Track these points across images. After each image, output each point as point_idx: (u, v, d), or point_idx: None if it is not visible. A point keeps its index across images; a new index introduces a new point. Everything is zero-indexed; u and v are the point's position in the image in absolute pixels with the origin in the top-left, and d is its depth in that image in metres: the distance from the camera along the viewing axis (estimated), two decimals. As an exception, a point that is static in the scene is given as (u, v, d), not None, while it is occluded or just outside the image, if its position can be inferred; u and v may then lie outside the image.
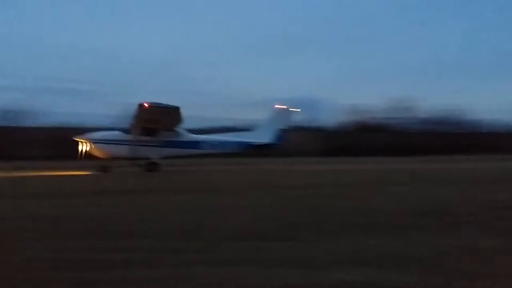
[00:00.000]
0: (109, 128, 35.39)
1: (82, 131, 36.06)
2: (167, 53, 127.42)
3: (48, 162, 40.53)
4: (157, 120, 31.10)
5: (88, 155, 32.73)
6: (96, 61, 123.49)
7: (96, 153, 32.71)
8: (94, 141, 32.49)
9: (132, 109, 32.05)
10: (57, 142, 49.84)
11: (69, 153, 35.54)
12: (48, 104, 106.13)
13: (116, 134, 33.05)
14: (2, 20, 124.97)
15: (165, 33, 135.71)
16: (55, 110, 70.42)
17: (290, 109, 39.04)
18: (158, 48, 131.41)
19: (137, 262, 6.76)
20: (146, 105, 29.91)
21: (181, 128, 34.44)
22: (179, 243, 8.11)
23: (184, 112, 31.10)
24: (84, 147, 32.67)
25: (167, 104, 30.27)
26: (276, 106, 39.07)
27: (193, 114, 45.67)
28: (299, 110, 41.61)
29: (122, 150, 32.13)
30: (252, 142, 36.80)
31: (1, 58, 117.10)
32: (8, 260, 6.99)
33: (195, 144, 34.92)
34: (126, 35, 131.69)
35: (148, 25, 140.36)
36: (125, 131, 32.98)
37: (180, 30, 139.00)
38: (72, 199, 15.68)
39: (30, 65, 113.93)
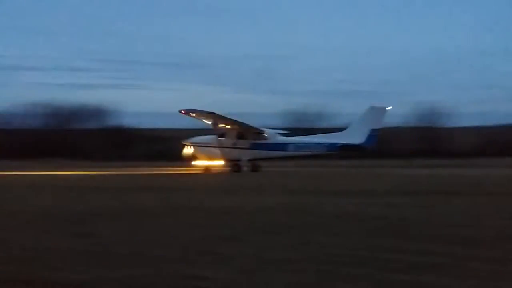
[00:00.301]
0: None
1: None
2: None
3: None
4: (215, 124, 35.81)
5: (191, 157, 36.85)
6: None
7: (197, 155, 36.57)
8: (194, 145, 36.57)
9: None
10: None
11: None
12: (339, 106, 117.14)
13: (210, 138, 36.50)
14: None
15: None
16: (344, 112, 73.72)
17: (386, 108, 37.68)
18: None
19: (444, 268, 6.40)
20: (182, 112, 35.03)
21: (273, 131, 37.96)
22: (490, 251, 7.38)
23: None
24: (188, 150, 36.79)
25: (200, 109, 34.84)
26: (373, 105, 37.98)
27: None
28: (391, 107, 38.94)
29: (216, 153, 35.81)
30: (342, 143, 36.08)
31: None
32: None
33: (283, 146, 36.50)
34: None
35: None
36: (221, 135, 36.09)
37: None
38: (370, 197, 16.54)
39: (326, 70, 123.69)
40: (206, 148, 36.25)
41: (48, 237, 9.12)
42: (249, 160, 35.76)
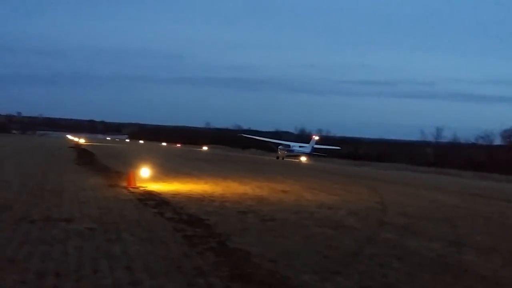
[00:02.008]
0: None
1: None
2: None
3: None
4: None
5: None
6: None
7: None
8: (284, 150, 75.75)
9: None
10: None
11: None
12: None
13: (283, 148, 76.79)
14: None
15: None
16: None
17: (315, 138, 62.11)
18: None
19: None
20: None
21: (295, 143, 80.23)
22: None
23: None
24: (280, 154, 74.13)
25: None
26: (313, 136, 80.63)
27: None
28: None
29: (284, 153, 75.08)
30: (309, 151, 77.88)
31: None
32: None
33: (296, 152, 76.34)
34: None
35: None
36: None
37: None
38: None
39: None
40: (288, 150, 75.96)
41: None
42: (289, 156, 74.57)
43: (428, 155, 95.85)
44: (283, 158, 70.20)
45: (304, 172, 43.02)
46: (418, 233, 14.56)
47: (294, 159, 72.27)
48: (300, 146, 74.85)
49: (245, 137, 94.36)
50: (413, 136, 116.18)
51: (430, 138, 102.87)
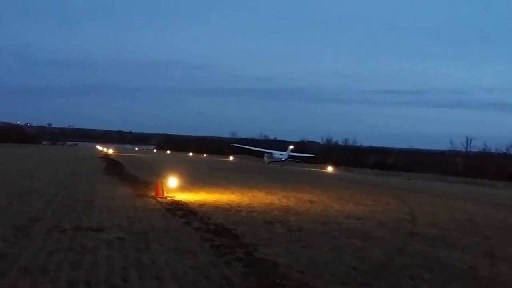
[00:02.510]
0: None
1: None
2: None
3: None
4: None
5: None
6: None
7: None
8: (268, 158, 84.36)
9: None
10: None
11: None
12: None
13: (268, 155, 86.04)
14: None
15: None
16: None
17: (290, 148, 73.77)
18: None
19: None
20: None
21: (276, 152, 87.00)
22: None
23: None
24: (266, 160, 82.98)
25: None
26: (290, 147, 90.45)
27: None
28: None
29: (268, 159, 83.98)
30: (285, 158, 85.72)
31: None
32: None
33: (277, 158, 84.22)
34: None
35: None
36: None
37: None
38: None
39: None
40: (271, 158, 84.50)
41: None
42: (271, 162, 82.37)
43: (458, 165, 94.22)
44: (268, 164, 79.69)
45: (331, 182, 42.73)
46: (449, 244, 14.28)
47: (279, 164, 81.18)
48: (280, 154, 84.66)
49: (237, 146, 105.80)
50: (442, 145, 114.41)
51: (460, 147, 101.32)
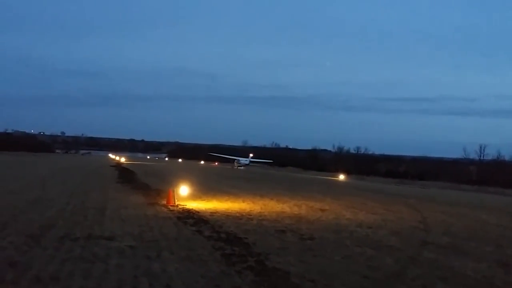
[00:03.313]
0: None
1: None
2: None
3: None
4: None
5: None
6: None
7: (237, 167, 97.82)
8: (237, 163, 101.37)
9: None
10: None
11: None
12: None
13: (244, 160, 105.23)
14: None
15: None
16: None
17: (250, 155, 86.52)
18: None
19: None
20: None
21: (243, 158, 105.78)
22: None
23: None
24: (235, 165, 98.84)
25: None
26: (250, 155, 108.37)
27: None
28: None
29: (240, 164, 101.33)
30: (247, 163, 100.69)
31: None
32: None
33: (244, 163, 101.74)
34: None
35: None
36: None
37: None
38: None
39: None
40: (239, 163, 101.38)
41: None
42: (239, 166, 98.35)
43: (471, 173, 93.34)
44: (237, 168, 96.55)
45: (343, 190, 42.54)
46: (462, 253, 14.11)
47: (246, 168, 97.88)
48: (245, 160, 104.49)
49: (211, 154, 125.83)
50: (455, 153, 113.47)
51: (473, 155, 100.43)
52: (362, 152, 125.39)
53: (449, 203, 33.69)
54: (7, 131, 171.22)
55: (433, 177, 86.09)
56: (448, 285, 10.30)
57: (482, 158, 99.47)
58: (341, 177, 73.96)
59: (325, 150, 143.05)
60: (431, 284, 10.26)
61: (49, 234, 13.67)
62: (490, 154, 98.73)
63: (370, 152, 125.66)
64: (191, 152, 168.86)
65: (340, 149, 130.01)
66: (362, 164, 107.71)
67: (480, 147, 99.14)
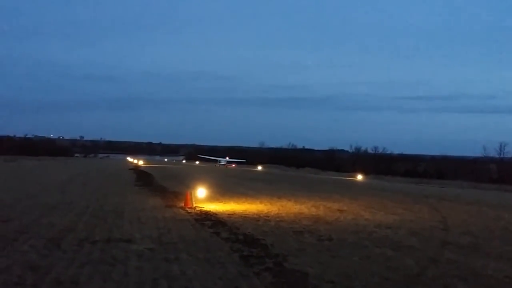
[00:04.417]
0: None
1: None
2: None
3: None
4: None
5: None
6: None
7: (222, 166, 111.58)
8: (218, 163, 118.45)
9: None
10: None
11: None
12: None
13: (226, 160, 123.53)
14: None
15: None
16: None
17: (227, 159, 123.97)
18: None
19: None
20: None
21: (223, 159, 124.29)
22: None
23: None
24: (218, 164, 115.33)
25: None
26: (227, 158, 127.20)
27: None
28: None
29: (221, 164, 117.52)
30: (225, 163, 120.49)
31: None
32: None
33: (224, 162, 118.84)
34: None
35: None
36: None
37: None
38: None
39: None
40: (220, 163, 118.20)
41: None
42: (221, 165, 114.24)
43: (491, 172, 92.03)
44: (219, 166, 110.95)
45: (361, 190, 42.27)
46: (484, 253, 13.91)
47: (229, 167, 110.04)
48: (223, 160, 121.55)
49: (200, 156, 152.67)
50: (475, 152, 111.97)
51: (493, 153, 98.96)
52: (380, 151, 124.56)
53: (469, 202, 33.27)
54: (27, 136, 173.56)
55: (453, 176, 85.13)
56: (469, 285, 10.16)
57: (502, 156, 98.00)
58: (359, 177, 73.53)
59: (342, 151, 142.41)
60: (452, 284, 10.12)
61: (69, 237, 13.80)
62: (511, 152, 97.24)
63: (388, 152, 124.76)
64: (208, 154, 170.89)
65: (358, 149, 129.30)
66: (380, 164, 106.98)
67: (500, 145, 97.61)
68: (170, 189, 32.44)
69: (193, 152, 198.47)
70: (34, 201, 22.75)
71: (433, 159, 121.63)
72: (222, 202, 24.78)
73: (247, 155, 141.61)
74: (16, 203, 21.56)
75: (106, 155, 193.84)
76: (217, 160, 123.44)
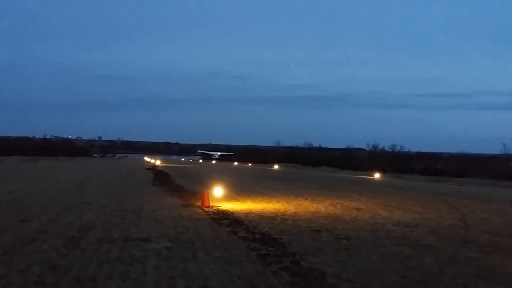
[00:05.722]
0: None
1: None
2: None
3: None
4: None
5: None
6: None
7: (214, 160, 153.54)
8: (214, 157, 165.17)
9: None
10: None
11: None
12: None
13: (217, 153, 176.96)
14: None
15: None
16: None
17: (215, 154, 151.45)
18: None
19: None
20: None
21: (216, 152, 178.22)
22: None
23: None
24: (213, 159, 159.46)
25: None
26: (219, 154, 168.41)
27: None
28: None
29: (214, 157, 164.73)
30: (218, 157, 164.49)
31: None
32: None
33: (217, 156, 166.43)
34: None
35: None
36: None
37: None
38: None
39: None
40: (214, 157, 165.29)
41: None
42: (214, 159, 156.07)
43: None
44: (213, 161, 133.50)
45: (379, 189, 41.96)
46: (504, 252, 13.71)
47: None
48: (217, 154, 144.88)
49: (200, 152, 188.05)
50: (494, 149, 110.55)
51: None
52: (397, 150, 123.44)
53: (489, 201, 32.82)
54: (46, 137, 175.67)
55: (472, 174, 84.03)
56: (490, 284, 10.02)
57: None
58: (376, 175, 72.98)
59: (359, 149, 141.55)
60: (472, 283, 9.99)
61: (88, 236, 13.93)
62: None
63: (406, 150, 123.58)
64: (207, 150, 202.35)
65: (375, 147, 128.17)
66: (398, 162, 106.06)
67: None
68: (187, 188, 32.57)
69: (210, 151, 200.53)
70: (53, 200, 23.01)
71: (452, 157, 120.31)
72: (239, 201, 24.80)
73: (263, 154, 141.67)
74: (35, 203, 21.82)
75: (124, 155, 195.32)
76: (212, 154, 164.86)
